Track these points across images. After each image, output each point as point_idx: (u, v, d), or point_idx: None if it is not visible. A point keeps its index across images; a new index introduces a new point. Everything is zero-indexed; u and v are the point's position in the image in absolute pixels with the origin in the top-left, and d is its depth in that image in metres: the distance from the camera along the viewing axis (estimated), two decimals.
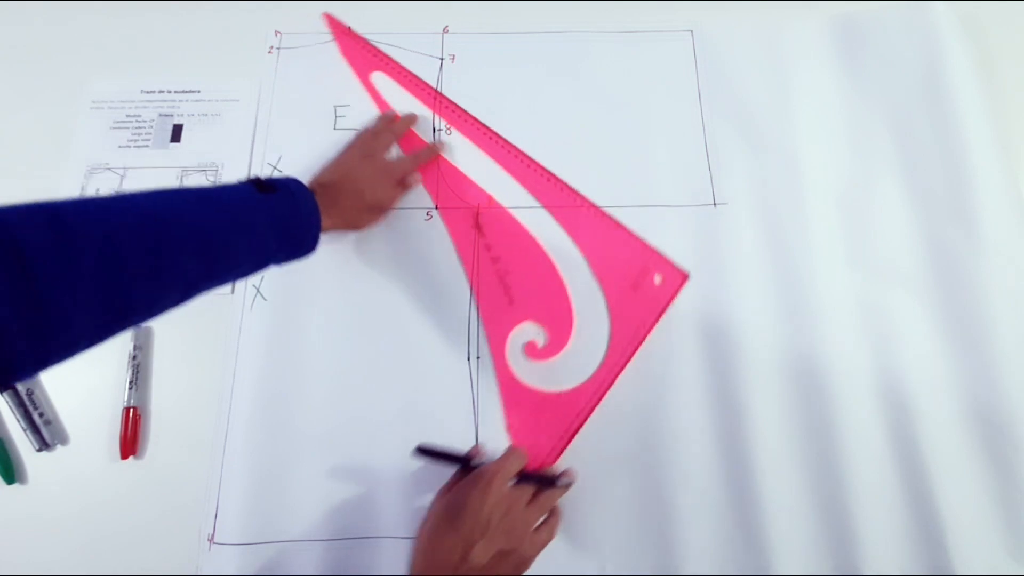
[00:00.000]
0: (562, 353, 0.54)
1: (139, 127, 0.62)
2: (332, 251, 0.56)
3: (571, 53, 0.65)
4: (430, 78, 0.63)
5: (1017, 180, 0.59)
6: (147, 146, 0.61)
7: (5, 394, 0.52)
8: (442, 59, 0.64)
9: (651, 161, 0.60)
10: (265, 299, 0.55)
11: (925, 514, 0.49)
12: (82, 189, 0.59)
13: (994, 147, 0.59)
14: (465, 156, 0.61)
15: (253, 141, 0.62)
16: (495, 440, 0.52)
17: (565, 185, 0.59)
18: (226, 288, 0.56)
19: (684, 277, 0.56)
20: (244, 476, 0.50)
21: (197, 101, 0.63)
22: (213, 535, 0.49)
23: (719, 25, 0.66)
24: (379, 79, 0.64)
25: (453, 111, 0.62)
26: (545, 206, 0.58)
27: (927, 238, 0.57)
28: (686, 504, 0.50)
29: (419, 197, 0.59)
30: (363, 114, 0.62)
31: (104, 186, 0.59)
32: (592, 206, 0.58)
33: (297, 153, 0.60)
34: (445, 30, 0.66)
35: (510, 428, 0.52)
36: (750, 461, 0.51)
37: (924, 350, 0.54)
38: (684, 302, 0.55)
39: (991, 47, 0.64)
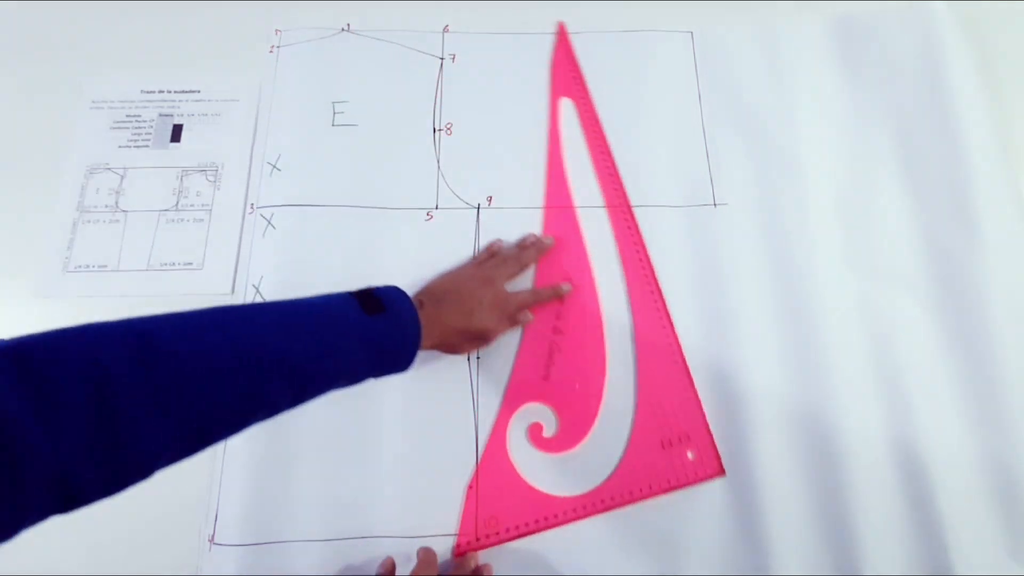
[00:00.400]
0: (560, 456, 0.51)
1: (139, 127, 0.62)
2: (332, 251, 0.56)
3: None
4: (430, 77, 0.63)
5: (1017, 180, 0.59)
6: (147, 146, 0.61)
7: None
8: (442, 58, 0.64)
9: (651, 161, 0.60)
10: (264, 299, 0.55)
11: (925, 514, 0.49)
12: (82, 189, 0.59)
13: (994, 147, 0.59)
14: (593, 230, 0.58)
15: (253, 141, 0.62)
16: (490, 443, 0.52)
17: (666, 309, 0.55)
18: (225, 288, 0.56)
19: (718, 471, 0.51)
20: (244, 476, 0.50)
21: (197, 101, 0.63)
22: (213, 536, 0.49)
23: (719, 26, 0.66)
24: (565, 106, 0.62)
25: (612, 177, 0.59)
26: (636, 316, 0.55)
27: (927, 238, 0.57)
28: (687, 505, 0.50)
29: (420, 196, 0.59)
30: (363, 110, 0.61)
31: (104, 186, 0.59)
32: (677, 343, 0.54)
33: (296, 151, 0.60)
34: (446, 29, 0.66)
35: (470, 488, 0.50)
36: (750, 460, 0.51)
37: (924, 350, 0.54)
38: (683, 303, 0.56)
39: (991, 47, 0.64)
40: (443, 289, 0.51)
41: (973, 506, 0.50)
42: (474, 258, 0.56)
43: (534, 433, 0.52)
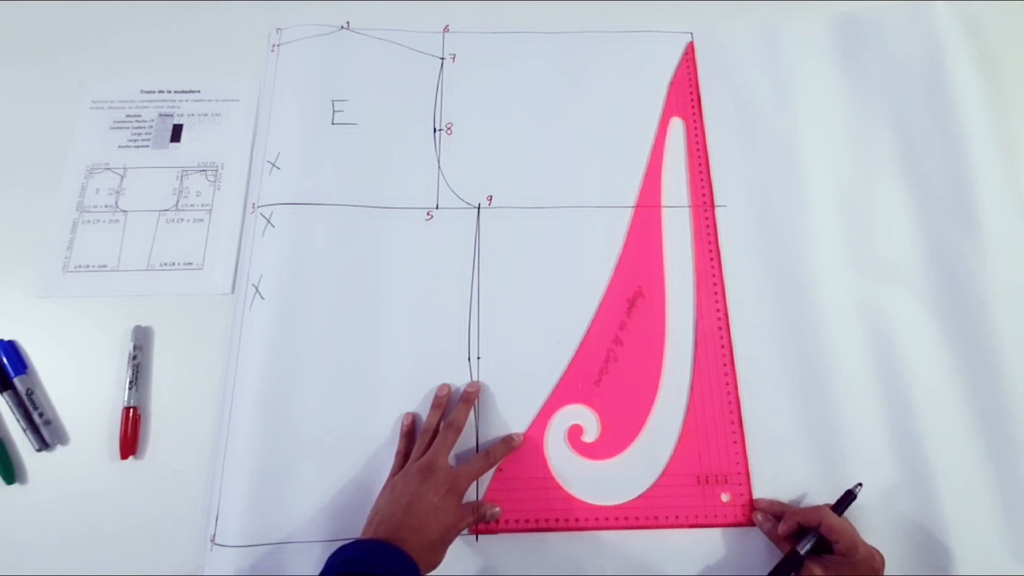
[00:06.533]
0: (594, 463, 0.51)
1: (139, 127, 0.62)
2: (332, 250, 0.56)
3: (571, 53, 0.65)
4: (430, 77, 0.63)
5: (1018, 180, 0.59)
6: (147, 146, 0.61)
7: (5, 394, 0.52)
8: (443, 58, 0.64)
9: (650, 161, 0.60)
10: (263, 298, 0.55)
11: (925, 514, 0.49)
12: (82, 189, 0.59)
13: (995, 147, 0.59)
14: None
15: (253, 141, 0.62)
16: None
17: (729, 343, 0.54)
18: (226, 287, 0.56)
19: (749, 521, 0.49)
20: (245, 477, 0.50)
21: (197, 101, 0.63)
22: (215, 536, 0.49)
23: (719, 25, 0.66)
24: (675, 127, 0.62)
25: (706, 204, 0.59)
26: (699, 349, 0.54)
27: (927, 238, 0.57)
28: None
29: (419, 197, 0.59)
30: (363, 109, 0.61)
31: (104, 186, 0.59)
32: (735, 384, 0.53)
33: (295, 149, 0.60)
34: (446, 29, 0.66)
35: (499, 471, 0.51)
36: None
37: (924, 350, 0.54)
38: (682, 304, 0.56)
39: (992, 47, 0.64)
40: (394, 521, 0.44)
41: (973, 506, 0.50)
42: (411, 456, 0.49)
43: (573, 435, 0.52)
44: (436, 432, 0.50)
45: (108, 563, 0.49)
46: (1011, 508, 0.50)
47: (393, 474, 0.49)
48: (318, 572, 0.41)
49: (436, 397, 0.52)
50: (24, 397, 0.52)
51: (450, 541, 0.46)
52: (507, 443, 0.51)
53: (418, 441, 0.50)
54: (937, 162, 0.59)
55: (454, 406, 0.52)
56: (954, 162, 0.58)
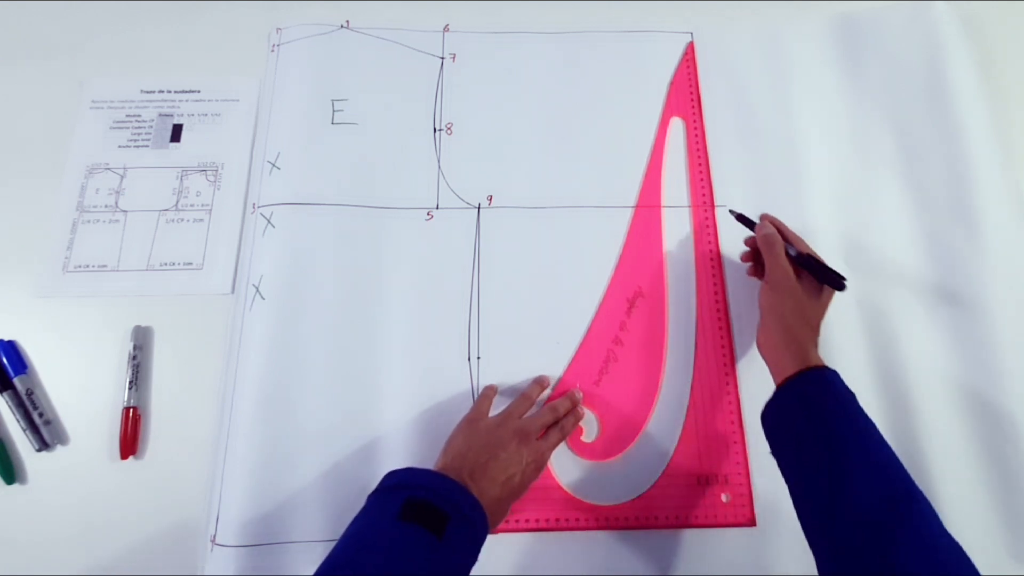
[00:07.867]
0: (593, 463, 0.51)
1: (139, 127, 0.62)
2: (332, 250, 0.56)
3: (571, 53, 0.65)
4: (430, 77, 0.63)
5: (1017, 180, 0.59)
6: (147, 146, 0.61)
7: (5, 394, 0.52)
8: (443, 58, 0.64)
9: (650, 161, 0.60)
10: (264, 298, 0.55)
11: None
12: (82, 189, 0.59)
13: (995, 147, 0.59)
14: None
15: (253, 141, 0.62)
16: None
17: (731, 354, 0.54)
18: (226, 287, 0.56)
19: (749, 521, 0.49)
20: (245, 477, 0.50)
21: (197, 101, 0.63)
22: (215, 536, 0.49)
23: (720, 26, 0.66)
24: (675, 127, 0.62)
25: (706, 203, 0.59)
26: (699, 353, 0.54)
27: (927, 238, 0.57)
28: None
29: (419, 197, 0.59)
30: (363, 109, 0.61)
31: (104, 186, 0.59)
32: (736, 385, 0.53)
33: (295, 149, 0.60)
34: (446, 28, 0.66)
35: None
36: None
37: (924, 350, 0.54)
38: (682, 304, 0.56)
39: (992, 47, 0.64)
40: (480, 462, 0.44)
41: (973, 506, 0.50)
42: (505, 411, 0.50)
43: (573, 435, 0.52)
44: (530, 403, 0.51)
45: (108, 563, 0.49)
46: (1011, 508, 0.50)
47: (478, 411, 0.49)
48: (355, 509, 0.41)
49: (540, 377, 0.53)
50: (24, 397, 0.52)
51: (516, 491, 0.45)
52: (576, 417, 0.51)
53: (516, 400, 0.50)
54: (937, 162, 0.59)
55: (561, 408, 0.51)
56: (954, 162, 0.58)
